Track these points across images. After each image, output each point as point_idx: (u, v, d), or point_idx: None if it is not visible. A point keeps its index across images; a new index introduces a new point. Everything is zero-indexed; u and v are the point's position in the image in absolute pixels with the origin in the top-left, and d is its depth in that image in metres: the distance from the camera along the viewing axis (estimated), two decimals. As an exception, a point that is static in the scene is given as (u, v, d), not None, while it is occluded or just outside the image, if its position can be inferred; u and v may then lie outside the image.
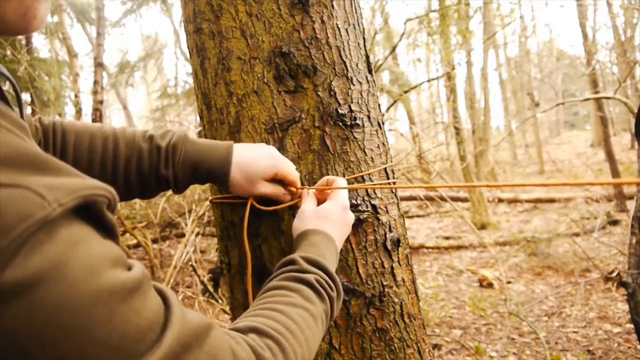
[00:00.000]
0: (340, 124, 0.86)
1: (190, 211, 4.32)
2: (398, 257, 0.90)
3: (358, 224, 0.86)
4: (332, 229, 0.75)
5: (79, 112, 5.70)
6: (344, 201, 0.80)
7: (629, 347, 2.96)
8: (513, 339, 3.27)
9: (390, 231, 0.90)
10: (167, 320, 0.38)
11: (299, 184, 0.83)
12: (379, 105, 0.98)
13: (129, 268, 0.38)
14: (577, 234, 5.50)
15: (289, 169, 0.81)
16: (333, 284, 0.67)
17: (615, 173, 7.17)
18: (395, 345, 0.87)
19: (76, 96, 5.81)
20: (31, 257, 0.31)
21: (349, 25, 0.90)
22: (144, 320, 0.36)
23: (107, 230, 0.39)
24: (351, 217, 0.81)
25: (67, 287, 0.32)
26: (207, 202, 3.97)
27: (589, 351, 2.98)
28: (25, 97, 5.19)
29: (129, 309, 0.35)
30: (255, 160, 0.78)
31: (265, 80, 0.85)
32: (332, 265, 0.70)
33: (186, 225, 4.11)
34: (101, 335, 0.33)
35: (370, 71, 0.95)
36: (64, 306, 0.31)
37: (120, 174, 0.76)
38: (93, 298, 0.33)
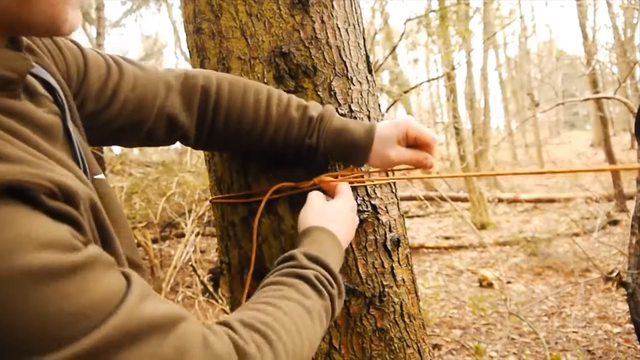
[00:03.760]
0: (340, 124, 0.86)
1: (190, 211, 4.32)
2: (398, 257, 0.90)
3: (358, 224, 0.86)
4: (338, 227, 0.73)
5: (79, 112, 5.68)
6: (353, 203, 0.80)
7: (629, 347, 2.97)
8: (513, 339, 3.27)
9: (390, 231, 0.90)
10: (116, 307, 0.38)
11: (434, 146, 0.80)
12: (379, 105, 0.98)
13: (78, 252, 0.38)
14: (577, 234, 5.50)
15: (422, 128, 0.79)
16: (334, 281, 0.65)
17: (615, 173, 7.17)
18: (395, 345, 0.87)
19: (76, 96, 5.79)
20: None
21: (349, 25, 0.90)
22: (72, 306, 0.35)
23: (56, 215, 0.38)
24: (357, 218, 0.81)
25: None
26: (207, 202, 3.98)
27: (589, 351, 2.98)
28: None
29: (51, 292, 0.34)
30: (388, 124, 0.79)
31: (265, 80, 0.85)
32: (334, 263, 0.68)
33: (186, 225, 4.11)
34: (12, 317, 0.32)
35: (370, 71, 0.95)
36: None
37: (267, 138, 0.78)
38: (6, 276, 0.32)
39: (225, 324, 0.51)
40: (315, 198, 0.78)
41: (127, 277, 0.41)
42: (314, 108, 0.79)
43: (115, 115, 0.68)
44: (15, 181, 0.36)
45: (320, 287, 0.62)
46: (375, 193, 0.89)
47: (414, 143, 0.79)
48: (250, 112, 0.77)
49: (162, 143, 0.79)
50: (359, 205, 0.86)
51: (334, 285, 0.65)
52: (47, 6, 0.42)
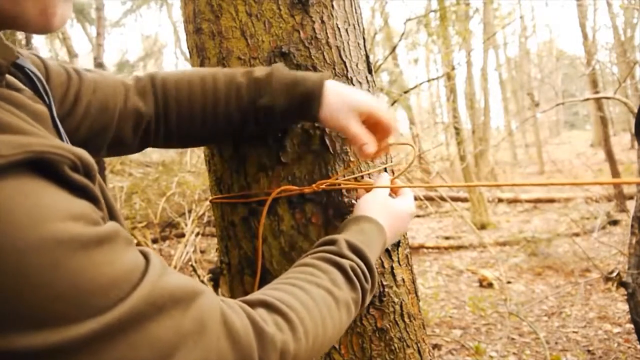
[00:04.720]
0: (340, 124, 0.86)
1: (190, 211, 4.32)
2: (398, 257, 0.90)
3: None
4: (390, 224, 0.73)
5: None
6: (414, 208, 0.81)
7: (629, 347, 2.96)
8: (513, 339, 3.27)
9: (390, 231, 0.90)
10: (140, 280, 0.38)
11: (392, 132, 0.79)
12: (379, 105, 0.98)
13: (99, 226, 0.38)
14: (577, 234, 5.50)
15: (386, 112, 0.77)
16: (370, 276, 0.64)
17: (615, 173, 7.17)
18: (395, 345, 0.87)
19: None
20: None
21: (349, 25, 0.90)
22: (104, 276, 0.35)
23: (78, 190, 0.38)
24: (409, 223, 0.80)
25: (6, 232, 0.32)
26: (207, 202, 3.98)
27: (589, 351, 2.98)
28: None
29: (83, 262, 0.34)
30: (352, 89, 0.78)
31: (265, 81, 0.85)
32: (374, 257, 0.67)
33: (186, 225, 4.11)
34: (43, 281, 0.32)
35: (370, 71, 0.95)
36: (2, 249, 0.31)
37: (220, 114, 0.77)
38: (35, 245, 0.32)
39: (247, 302, 0.51)
40: (377, 190, 0.77)
41: (145, 254, 0.42)
42: (261, 70, 0.78)
43: (80, 120, 0.68)
44: (39, 152, 0.35)
45: (355, 279, 0.61)
46: (375, 193, 0.89)
47: (371, 125, 0.77)
48: (198, 90, 0.77)
49: (130, 145, 0.78)
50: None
51: (369, 279, 0.64)
52: (37, 0, 0.42)
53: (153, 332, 0.37)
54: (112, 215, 0.48)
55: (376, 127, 0.78)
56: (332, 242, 0.65)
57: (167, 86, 0.77)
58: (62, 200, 0.36)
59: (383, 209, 0.74)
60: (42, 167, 0.36)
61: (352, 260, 0.62)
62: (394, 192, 0.82)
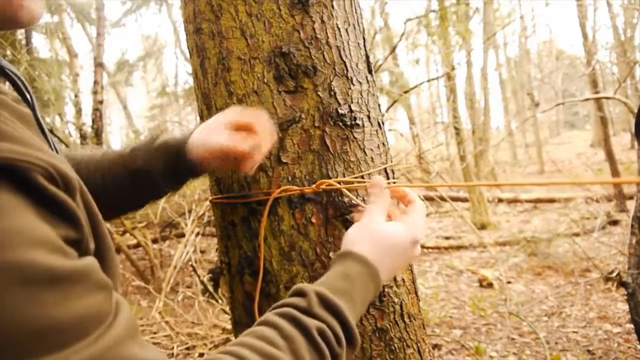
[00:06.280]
0: (340, 124, 0.86)
1: (190, 211, 4.32)
2: (398, 257, 0.90)
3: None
4: (385, 261, 0.62)
5: (79, 112, 5.71)
6: (417, 234, 0.66)
7: (629, 347, 2.96)
8: (513, 339, 3.27)
9: (390, 231, 0.90)
10: (90, 335, 0.32)
11: (261, 116, 0.77)
12: (379, 105, 0.98)
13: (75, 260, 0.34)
14: (577, 234, 5.50)
15: (243, 112, 0.76)
16: (344, 337, 0.54)
17: (615, 173, 7.17)
18: (395, 345, 0.87)
19: (76, 96, 5.83)
20: None
21: (349, 25, 0.90)
22: (46, 318, 0.30)
23: (51, 205, 0.34)
24: (417, 252, 0.67)
25: None
26: (207, 202, 3.98)
27: (589, 351, 2.98)
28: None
29: (27, 296, 0.30)
30: (220, 113, 0.79)
31: (265, 80, 0.85)
32: (358, 306, 0.58)
33: (186, 225, 4.11)
34: None
35: (370, 71, 0.95)
36: None
37: (108, 184, 0.78)
38: None
39: None
40: (370, 213, 0.67)
41: (117, 306, 0.37)
42: (145, 139, 0.81)
43: None
44: (6, 159, 0.31)
45: (322, 345, 0.51)
46: (375, 193, 0.89)
47: (245, 127, 0.75)
48: (92, 168, 0.78)
49: None
50: (358, 205, 0.86)
51: (342, 342, 0.54)
52: None
53: None
54: (98, 239, 0.42)
55: (249, 126, 0.75)
56: (301, 295, 0.55)
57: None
58: (30, 219, 0.32)
59: (379, 241, 0.63)
60: (12, 176, 0.32)
61: (320, 319, 0.53)
62: (399, 199, 0.76)
